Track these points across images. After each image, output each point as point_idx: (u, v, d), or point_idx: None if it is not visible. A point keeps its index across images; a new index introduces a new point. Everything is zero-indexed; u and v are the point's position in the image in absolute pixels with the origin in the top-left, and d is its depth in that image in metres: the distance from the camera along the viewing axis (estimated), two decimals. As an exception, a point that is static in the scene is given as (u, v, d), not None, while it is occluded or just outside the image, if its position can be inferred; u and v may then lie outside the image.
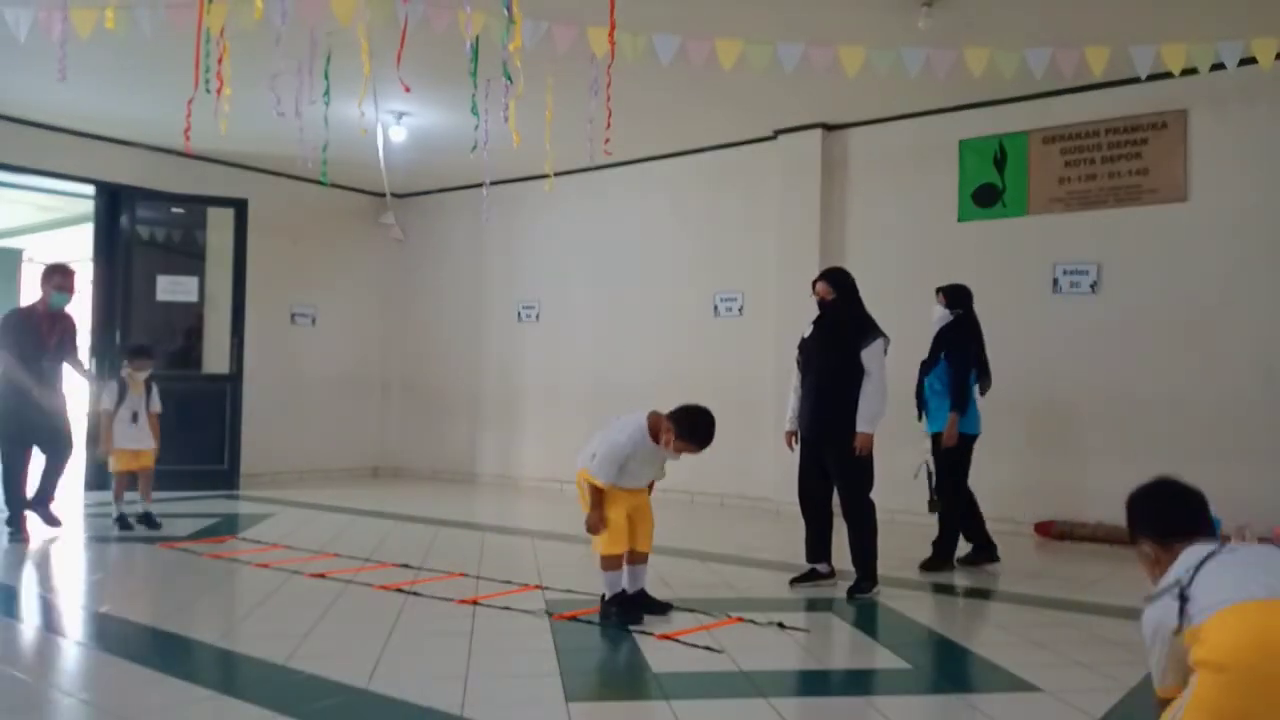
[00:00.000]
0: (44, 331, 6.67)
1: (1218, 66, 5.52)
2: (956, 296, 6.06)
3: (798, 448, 5.41)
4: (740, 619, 4.47)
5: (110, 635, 4.23)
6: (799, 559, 5.55)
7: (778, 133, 8.52)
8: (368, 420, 11.37)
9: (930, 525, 6.07)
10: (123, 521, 6.83)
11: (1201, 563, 2.30)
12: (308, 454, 10.68)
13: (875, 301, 5.67)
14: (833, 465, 5.20)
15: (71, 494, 8.97)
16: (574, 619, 4.44)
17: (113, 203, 9.38)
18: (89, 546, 6.47)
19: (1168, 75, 5.66)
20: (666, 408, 4.47)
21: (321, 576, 5.32)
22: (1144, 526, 2.59)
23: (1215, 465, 5.98)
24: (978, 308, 7.59)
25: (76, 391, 7.38)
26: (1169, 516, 2.56)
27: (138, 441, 6.82)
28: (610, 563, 4.49)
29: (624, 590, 4.51)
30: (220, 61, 5.07)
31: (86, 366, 6.96)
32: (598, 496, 4.46)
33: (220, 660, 3.85)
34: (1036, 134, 7.39)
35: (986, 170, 7.60)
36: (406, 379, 11.50)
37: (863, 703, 3.42)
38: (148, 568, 5.72)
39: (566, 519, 7.97)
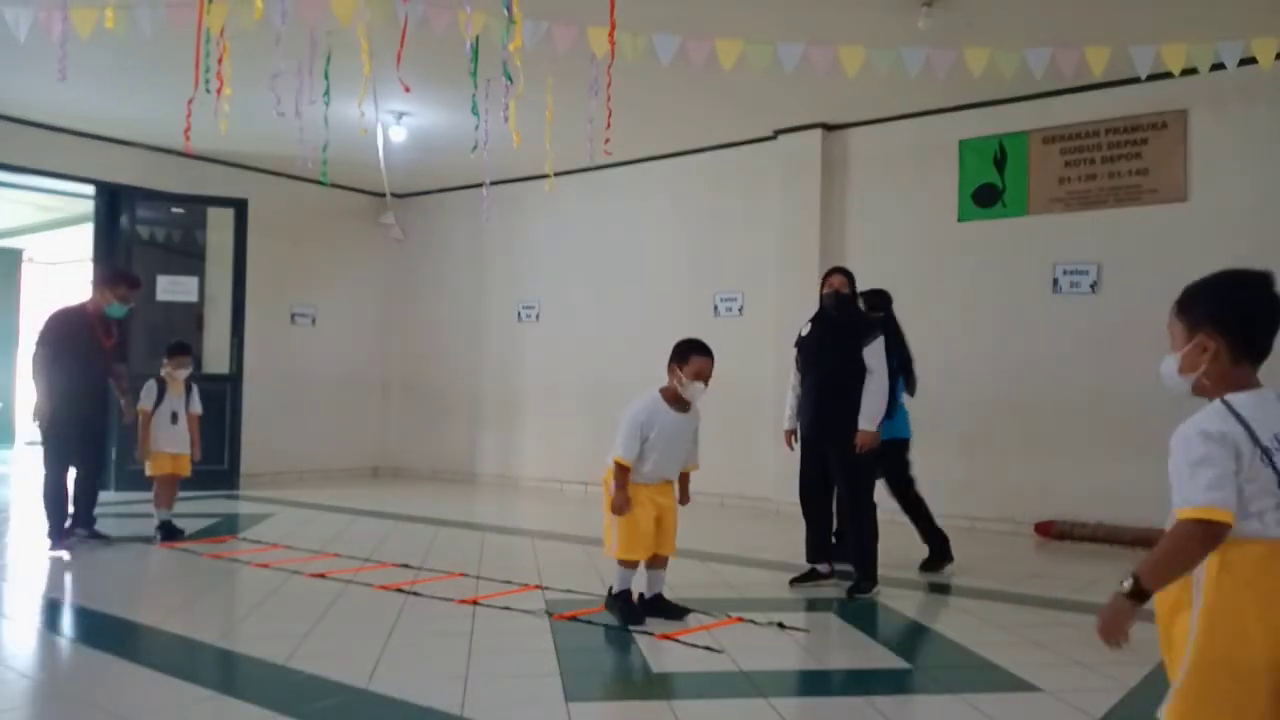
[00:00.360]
0: (100, 334, 6.26)
1: (1218, 66, 5.53)
2: (877, 301, 5.94)
3: (797, 447, 5.41)
4: (740, 619, 4.47)
5: (110, 635, 4.23)
6: (799, 559, 5.55)
7: (778, 133, 8.52)
8: (368, 420, 11.37)
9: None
10: (166, 529, 6.47)
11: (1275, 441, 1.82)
12: (308, 454, 10.68)
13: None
14: (835, 465, 5.19)
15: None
16: (574, 619, 4.44)
17: (113, 203, 9.39)
18: (87, 546, 6.45)
19: (1168, 75, 5.66)
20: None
21: (321, 576, 5.32)
22: (1224, 323, 1.91)
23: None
24: (978, 307, 7.63)
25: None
26: (1271, 336, 1.95)
27: (177, 445, 6.48)
28: (628, 564, 4.44)
29: (630, 590, 4.47)
30: (220, 61, 5.07)
31: (126, 383, 6.54)
32: (622, 475, 4.29)
33: (220, 660, 3.85)
34: (1036, 134, 7.39)
35: (986, 170, 7.60)
36: (406, 379, 11.50)
37: (863, 703, 3.41)
38: (148, 568, 5.71)
39: (566, 519, 7.97)
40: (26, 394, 14.92)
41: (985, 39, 5.66)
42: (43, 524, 6.29)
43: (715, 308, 9.00)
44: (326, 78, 6.11)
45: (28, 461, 12.79)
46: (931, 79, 5.69)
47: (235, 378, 9.58)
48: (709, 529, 7.38)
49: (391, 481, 10.84)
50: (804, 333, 5.45)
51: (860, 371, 5.12)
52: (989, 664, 3.86)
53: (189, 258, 9.68)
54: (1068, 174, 7.25)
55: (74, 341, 6.14)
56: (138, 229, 9.42)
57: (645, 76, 6.39)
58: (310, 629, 4.22)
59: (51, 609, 4.76)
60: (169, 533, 6.46)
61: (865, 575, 5.12)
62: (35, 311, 15.26)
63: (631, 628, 4.28)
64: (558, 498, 9.54)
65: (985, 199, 7.62)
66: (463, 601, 4.75)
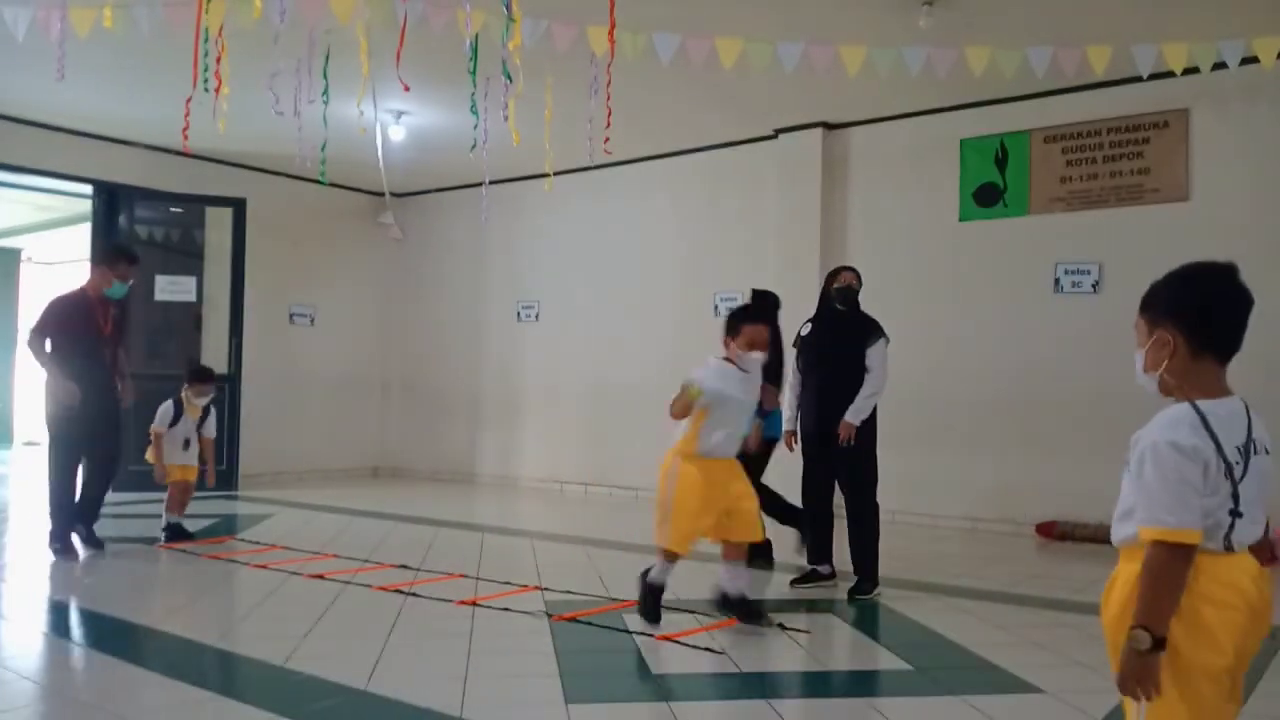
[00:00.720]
0: (100, 317, 5.93)
1: (1219, 66, 5.52)
2: (763, 304, 5.92)
3: (798, 448, 5.39)
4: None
5: (109, 636, 4.21)
6: (799, 559, 5.54)
7: (778, 132, 8.51)
8: (367, 420, 11.35)
9: (924, 529, 6.04)
10: (170, 531, 6.39)
11: (1249, 450, 1.82)
12: (307, 454, 10.67)
13: (876, 301, 5.66)
14: (839, 466, 5.18)
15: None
16: (574, 620, 4.42)
17: (111, 202, 9.37)
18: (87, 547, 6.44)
19: (1169, 74, 5.65)
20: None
21: (320, 577, 5.31)
22: (1180, 317, 1.88)
23: (1217, 465, 5.96)
24: (979, 307, 7.62)
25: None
26: (1232, 329, 1.90)
27: (186, 460, 6.46)
28: (671, 555, 4.21)
29: (663, 584, 4.29)
30: (219, 60, 5.05)
31: (127, 367, 6.25)
32: (683, 403, 4.11)
33: (219, 661, 3.84)
34: (1038, 133, 7.37)
35: (988, 169, 7.59)
36: (406, 379, 11.49)
37: (864, 704, 3.40)
38: (147, 569, 5.70)
39: (566, 520, 7.96)
40: (27, 394, 14.94)
41: (986, 38, 5.64)
42: (45, 527, 6.20)
43: (715, 307, 8.98)
44: (325, 77, 6.09)
45: (27, 462, 12.76)
46: (932, 78, 5.68)
47: (234, 378, 9.56)
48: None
49: (391, 482, 10.83)
50: (804, 333, 5.43)
51: (860, 371, 5.11)
52: (990, 665, 3.84)
53: (187, 257, 9.66)
54: (1069, 173, 7.23)
55: (75, 328, 5.81)
56: (136, 229, 9.40)
57: (645, 76, 6.38)
58: (309, 630, 4.20)
59: (50, 610, 4.74)
60: (176, 534, 6.40)
61: (866, 576, 5.10)
62: (34, 311, 15.27)
63: (646, 626, 4.22)
64: (557, 498, 9.52)
65: (986, 198, 7.60)
66: (462, 602, 4.73)
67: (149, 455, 6.40)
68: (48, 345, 5.79)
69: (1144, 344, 1.93)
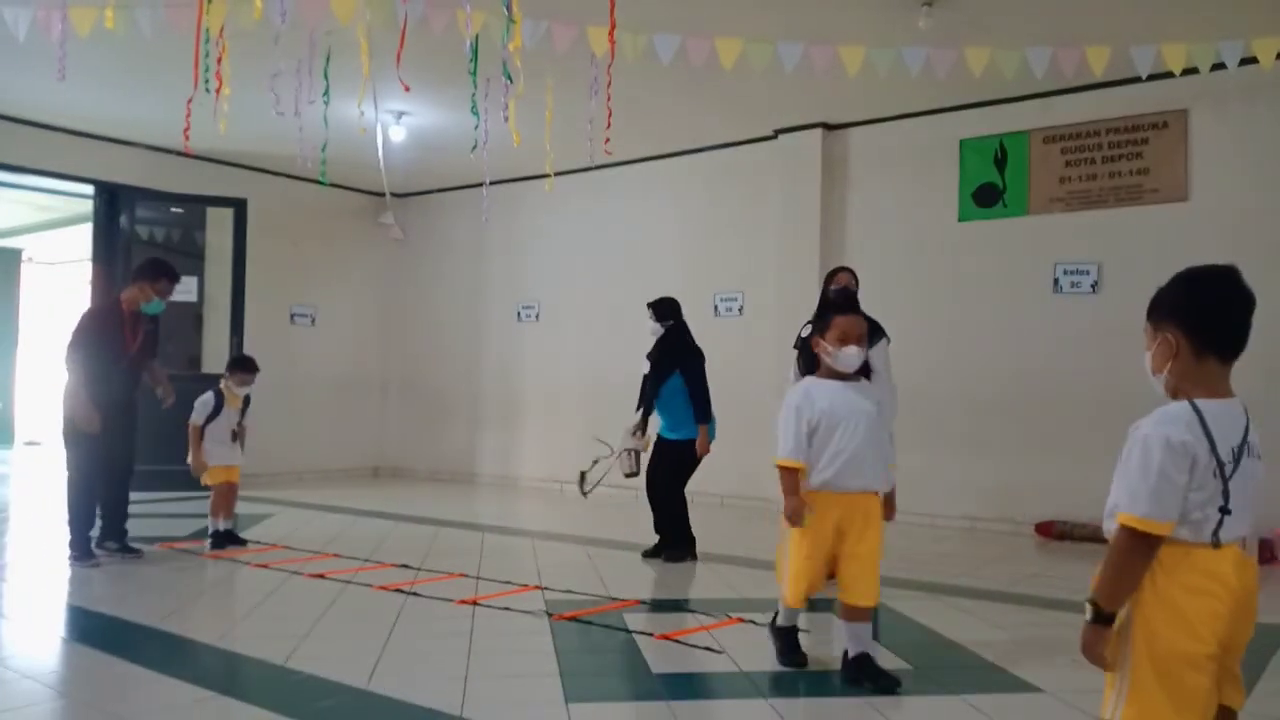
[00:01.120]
0: (127, 335, 5.79)
1: (1218, 66, 5.53)
2: (665, 310, 6.21)
3: None
4: (741, 619, 4.46)
5: (109, 635, 4.22)
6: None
7: (778, 132, 8.51)
8: (367, 420, 11.35)
9: (924, 529, 6.05)
10: (216, 539, 6.15)
11: (1242, 451, 1.86)
12: (307, 454, 10.67)
13: (876, 301, 5.65)
14: None
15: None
16: (574, 619, 4.43)
17: (112, 202, 9.38)
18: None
19: (1168, 75, 5.66)
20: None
21: (321, 577, 5.31)
22: (1181, 319, 1.93)
23: (1216, 465, 5.97)
24: (979, 307, 7.62)
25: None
26: (1232, 329, 1.94)
27: (232, 459, 6.21)
28: (788, 604, 3.71)
29: (794, 626, 3.79)
30: (219, 61, 5.06)
31: (164, 373, 6.12)
32: (790, 480, 3.44)
33: (220, 661, 3.84)
34: (1037, 133, 7.38)
35: (987, 170, 7.59)
36: (406, 379, 11.49)
37: (863, 703, 3.40)
38: (146, 568, 5.70)
39: (566, 519, 7.97)
40: (28, 395, 14.95)
41: (986, 38, 5.65)
42: (59, 535, 6.15)
43: (715, 308, 8.99)
44: (326, 77, 6.10)
45: (27, 462, 12.77)
46: (932, 78, 5.68)
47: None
48: (709, 529, 7.35)
49: (391, 482, 10.83)
50: (804, 334, 5.43)
51: (865, 373, 5.11)
52: (989, 665, 3.85)
53: (188, 257, 9.66)
54: (1068, 174, 7.24)
55: (105, 342, 5.69)
56: (137, 229, 9.40)
57: (645, 76, 6.39)
58: (310, 629, 4.21)
59: (50, 610, 4.74)
60: (225, 540, 6.16)
61: None
62: (34, 311, 15.29)
63: (785, 665, 3.76)
64: (557, 498, 9.53)
65: (986, 199, 7.61)
66: (462, 602, 4.74)
67: (190, 456, 6.12)
68: (80, 360, 5.60)
69: (1150, 347, 1.99)
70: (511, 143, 5.57)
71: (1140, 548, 1.84)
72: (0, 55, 6.83)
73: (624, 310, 9.62)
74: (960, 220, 7.74)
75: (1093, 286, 7.09)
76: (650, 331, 6.25)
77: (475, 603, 4.72)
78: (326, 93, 6.17)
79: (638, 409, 6.22)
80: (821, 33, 5.72)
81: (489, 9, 4.92)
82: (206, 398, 6.19)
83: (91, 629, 4.37)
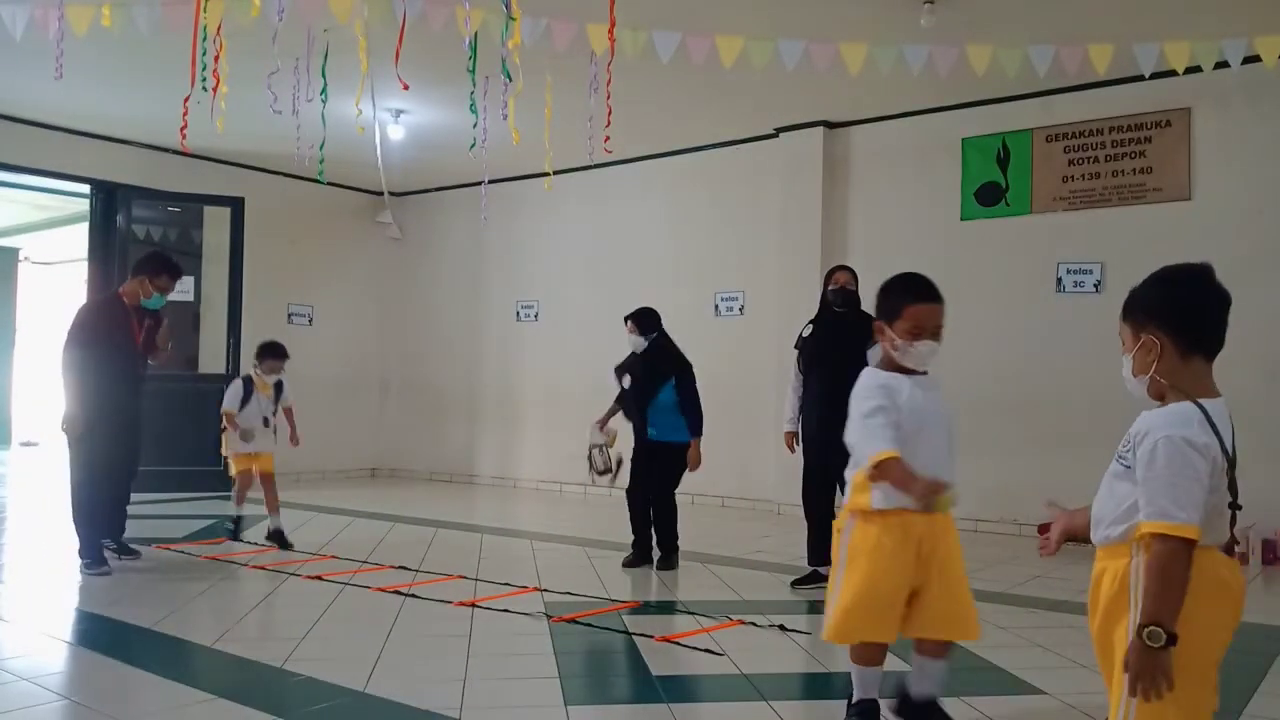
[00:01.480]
0: (134, 328, 5.61)
1: (1221, 65, 5.51)
2: (648, 322, 6.03)
3: (799, 448, 5.38)
4: (741, 621, 4.43)
5: (107, 637, 4.19)
6: (800, 560, 5.52)
7: (779, 130, 8.49)
8: (365, 421, 11.32)
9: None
10: (237, 526, 6.19)
11: (1233, 454, 1.85)
12: (304, 455, 10.55)
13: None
14: (841, 468, 5.15)
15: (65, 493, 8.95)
16: (573, 621, 4.40)
17: (109, 201, 9.35)
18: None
19: (1171, 73, 5.64)
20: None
21: (319, 579, 5.29)
22: (1165, 319, 1.91)
23: (1219, 466, 5.95)
24: (980, 307, 7.59)
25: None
26: (1215, 327, 1.91)
27: (262, 446, 6.20)
28: (862, 654, 2.88)
29: (874, 699, 2.97)
30: (217, 59, 5.03)
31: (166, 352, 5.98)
32: (898, 466, 2.67)
33: (216, 663, 3.81)
34: (1040, 132, 7.35)
35: (989, 169, 7.57)
36: (404, 379, 11.46)
37: (866, 706, 3.37)
38: (143, 569, 5.67)
39: (566, 521, 7.94)
40: (25, 395, 14.92)
41: (988, 36, 5.62)
42: (58, 536, 6.13)
43: (716, 307, 8.96)
44: (324, 75, 6.08)
45: (25, 462, 12.74)
46: (934, 76, 5.66)
47: (232, 378, 9.47)
48: (710, 530, 7.34)
49: (389, 483, 10.81)
50: (805, 334, 5.42)
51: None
52: (991, 666, 3.82)
53: (185, 257, 9.59)
54: (1071, 172, 7.21)
55: (109, 337, 5.47)
56: (134, 228, 9.38)
57: (645, 74, 6.35)
58: (307, 631, 4.18)
59: (48, 611, 4.71)
60: (279, 542, 6.13)
61: None
62: (32, 310, 15.26)
63: None
64: (557, 499, 9.50)
65: (988, 198, 7.58)
66: (461, 604, 4.71)
67: (224, 447, 6.17)
68: (79, 357, 5.40)
69: (1131, 348, 1.96)
70: (510, 141, 5.54)
71: (1181, 554, 1.77)
72: (-3, 53, 6.80)
73: (624, 310, 9.57)
74: (963, 219, 7.71)
75: (1096, 286, 7.06)
76: (631, 346, 6.04)
77: (474, 604, 4.69)
78: (324, 91, 6.15)
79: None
80: (823, 31, 5.69)
81: (488, 6, 4.89)
82: (236, 385, 6.19)
83: (89, 631, 4.34)
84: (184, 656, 3.89)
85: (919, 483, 2.63)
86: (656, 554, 5.85)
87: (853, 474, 2.83)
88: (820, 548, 5.29)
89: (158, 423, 7.03)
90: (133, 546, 5.78)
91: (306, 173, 9.01)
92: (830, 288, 5.35)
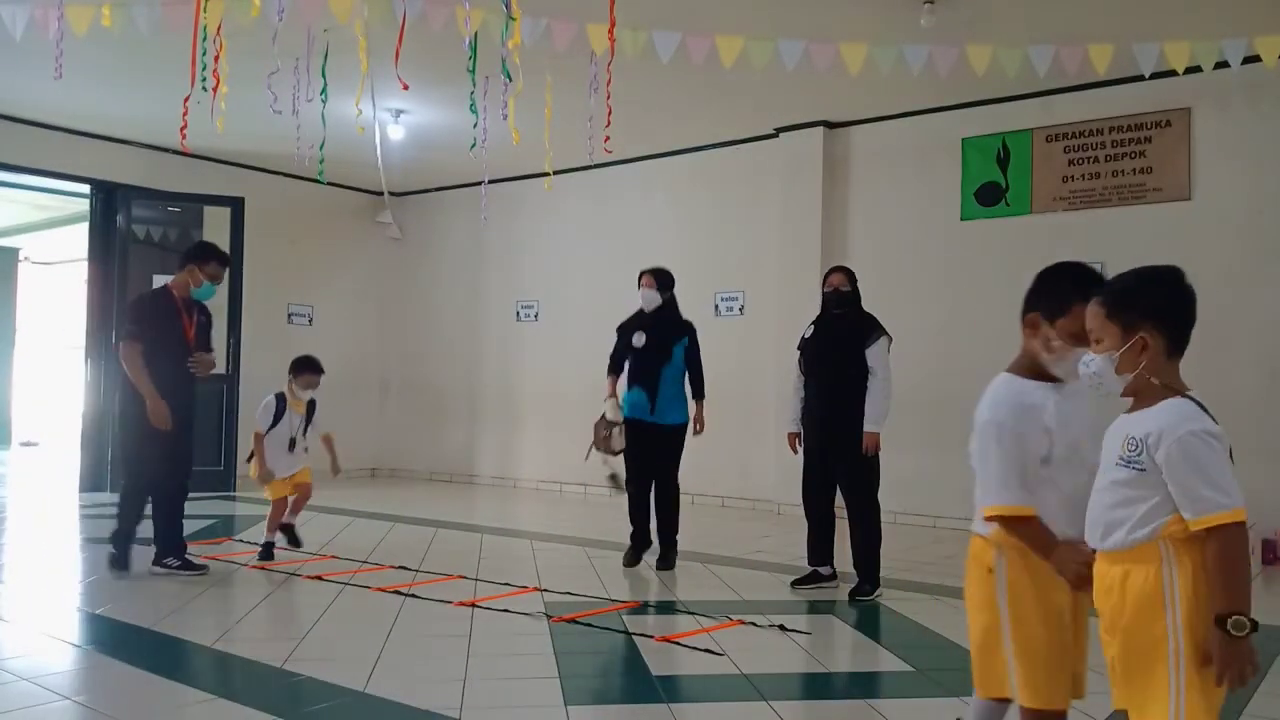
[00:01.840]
0: (184, 323, 5.37)
1: (1221, 64, 5.51)
2: (667, 279, 5.96)
3: (800, 449, 5.38)
4: (741, 621, 4.43)
5: (107, 637, 4.19)
6: (800, 561, 5.52)
7: (779, 130, 8.49)
8: (365, 421, 11.31)
9: (925, 530, 6.01)
10: (267, 550, 5.73)
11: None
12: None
13: (878, 301, 5.63)
14: (841, 468, 5.18)
15: (65, 493, 8.95)
16: (573, 621, 4.40)
17: (109, 201, 9.35)
18: (83, 548, 6.42)
19: (1171, 73, 5.64)
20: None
21: (319, 579, 5.29)
22: (1163, 320, 1.94)
23: (1219, 466, 5.94)
24: (980, 307, 7.60)
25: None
26: (1191, 326, 1.97)
27: (294, 466, 5.79)
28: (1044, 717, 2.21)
29: None
30: (217, 59, 5.03)
31: (209, 357, 5.62)
32: (1029, 532, 2.16)
33: (217, 663, 3.81)
34: (1040, 132, 7.35)
35: (989, 169, 7.56)
36: (404, 379, 11.46)
37: (865, 706, 3.38)
38: (144, 570, 5.66)
39: (566, 521, 7.94)
40: (24, 395, 14.92)
41: (988, 36, 5.62)
42: (57, 537, 6.12)
43: (716, 307, 8.96)
44: (324, 75, 6.08)
45: (24, 462, 12.74)
46: (934, 76, 5.65)
47: (232, 378, 9.52)
48: (710, 530, 7.33)
49: (389, 482, 10.80)
50: (806, 335, 5.43)
51: (862, 373, 5.11)
52: (993, 667, 3.81)
53: (185, 257, 9.63)
54: (1071, 172, 7.21)
55: (160, 331, 5.24)
56: (134, 228, 9.37)
57: (645, 74, 6.35)
58: (307, 631, 4.18)
59: (48, 611, 4.71)
60: (289, 537, 5.83)
61: (867, 578, 5.09)
62: (32, 310, 15.26)
63: None
64: (557, 500, 9.50)
65: (988, 198, 7.58)
66: (461, 604, 4.71)
67: (251, 468, 5.72)
68: (143, 354, 5.15)
69: (1117, 345, 1.96)
70: (510, 141, 5.54)
71: (1244, 539, 1.83)
72: (-3, 53, 6.79)
73: (624, 309, 9.57)
74: (963, 219, 7.71)
75: (1095, 286, 7.05)
76: (644, 302, 5.91)
77: (474, 604, 4.69)
78: (324, 91, 6.14)
79: (613, 374, 5.89)
80: (823, 31, 5.69)
81: (488, 6, 4.89)
82: (269, 401, 5.79)
83: (90, 631, 4.34)
84: (184, 656, 3.89)
85: (1061, 552, 2.12)
86: (655, 546, 5.81)
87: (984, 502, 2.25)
88: (820, 548, 5.30)
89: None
90: (197, 562, 5.42)
91: (306, 173, 9.01)
92: (825, 290, 5.36)
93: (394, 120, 8.25)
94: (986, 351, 7.45)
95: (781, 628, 4.32)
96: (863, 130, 8.24)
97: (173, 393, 5.26)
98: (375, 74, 6.09)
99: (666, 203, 9.38)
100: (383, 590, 5.00)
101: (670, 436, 5.79)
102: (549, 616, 4.47)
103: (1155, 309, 1.95)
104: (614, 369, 5.95)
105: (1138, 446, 1.89)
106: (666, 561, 5.75)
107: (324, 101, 6.18)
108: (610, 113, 5.37)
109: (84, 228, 9.74)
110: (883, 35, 5.62)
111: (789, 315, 8.39)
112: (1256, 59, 5.41)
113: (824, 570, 5.28)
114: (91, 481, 9.11)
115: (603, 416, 5.82)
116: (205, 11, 4.92)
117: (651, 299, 5.90)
